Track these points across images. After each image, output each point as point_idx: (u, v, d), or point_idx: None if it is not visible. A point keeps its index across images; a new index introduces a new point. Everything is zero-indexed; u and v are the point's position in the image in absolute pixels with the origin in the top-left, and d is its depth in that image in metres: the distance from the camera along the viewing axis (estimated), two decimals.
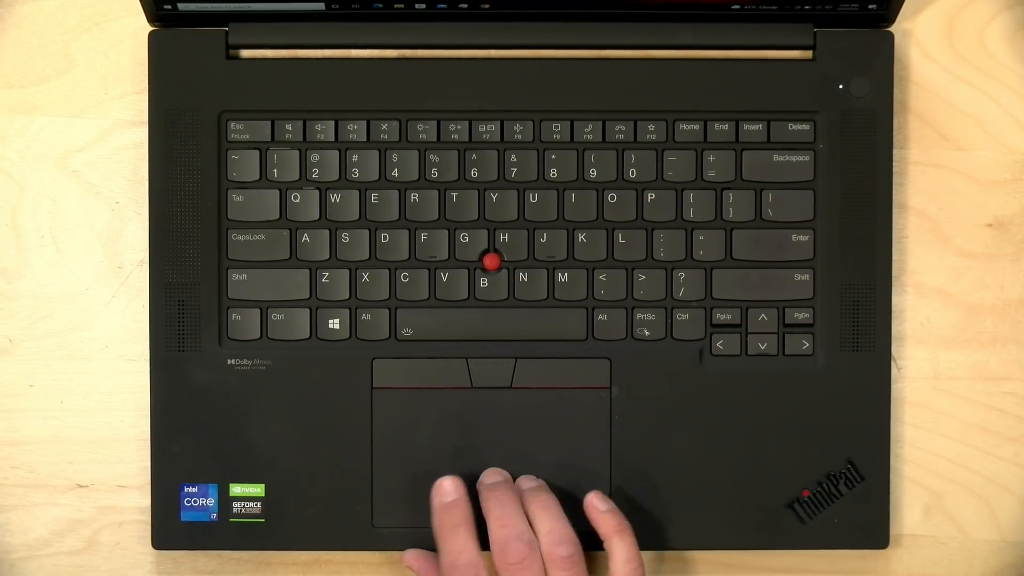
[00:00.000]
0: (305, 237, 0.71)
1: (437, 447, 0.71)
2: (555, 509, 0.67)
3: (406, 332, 0.71)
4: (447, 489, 0.69)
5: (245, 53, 0.72)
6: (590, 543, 0.68)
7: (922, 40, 0.73)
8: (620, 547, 0.67)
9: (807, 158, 0.71)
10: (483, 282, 0.71)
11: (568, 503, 0.68)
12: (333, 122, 0.71)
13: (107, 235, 0.72)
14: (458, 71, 0.71)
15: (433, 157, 0.71)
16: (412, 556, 0.70)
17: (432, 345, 0.71)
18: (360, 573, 0.73)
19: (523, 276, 0.71)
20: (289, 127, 0.71)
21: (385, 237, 0.71)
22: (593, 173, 0.71)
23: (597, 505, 0.69)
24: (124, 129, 0.72)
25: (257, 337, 0.71)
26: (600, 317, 0.71)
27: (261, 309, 0.71)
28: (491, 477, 0.70)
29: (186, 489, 0.70)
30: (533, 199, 0.71)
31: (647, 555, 0.69)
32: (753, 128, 0.71)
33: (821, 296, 0.71)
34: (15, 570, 0.72)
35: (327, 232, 0.71)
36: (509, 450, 0.71)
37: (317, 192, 0.71)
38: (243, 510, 0.71)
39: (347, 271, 0.71)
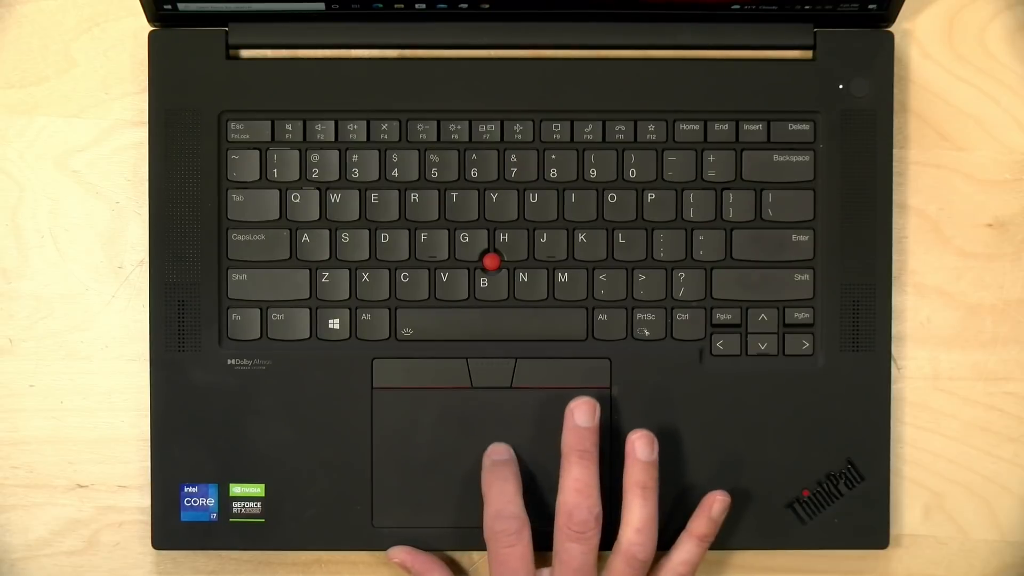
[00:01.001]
0: (305, 237, 0.71)
1: (437, 447, 0.71)
2: (653, 503, 0.67)
3: (406, 332, 0.71)
4: (499, 451, 0.70)
5: (245, 53, 0.72)
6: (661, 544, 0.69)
7: (922, 40, 0.73)
8: (688, 549, 0.68)
9: (807, 158, 0.71)
10: (483, 282, 0.71)
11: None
12: (333, 122, 0.71)
13: (107, 235, 0.72)
14: (458, 71, 0.71)
15: (433, 157, 0.71)
16: (402, 552, 0.70)
17: (432, 345, 0.71)
18: (360, 573, 0.73)
19: (523, 276, 0.71)
20: (289, 127, 0.71)
21: (385, 237, 0.71)
22: (593, 173, 0.71)
23: (711, 509, 0.68)
24: (124, 129, 0.72)
25: (257, 337, 0.71)
26: (600, 317, 0.71)
27: (261, 309, 0.71)
28: (585, 419, 0.68)
29: (186, 489, 0.70)
30: (533, 199, 0.71)
31: (656, 554, 0.69)
32: (753, 128, 0.71)
33: (821, 296, 0.71)
34: (15, 570, 0.72)
35: (327, 232, 0.71)
36: None
37: (317, 192, 0.71)
38: (243, 510, 0.71)
39: (347, 271, 0.71)
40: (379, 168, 0.71)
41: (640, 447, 0.67)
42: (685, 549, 0.68)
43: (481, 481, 0.69)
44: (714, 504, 0.68)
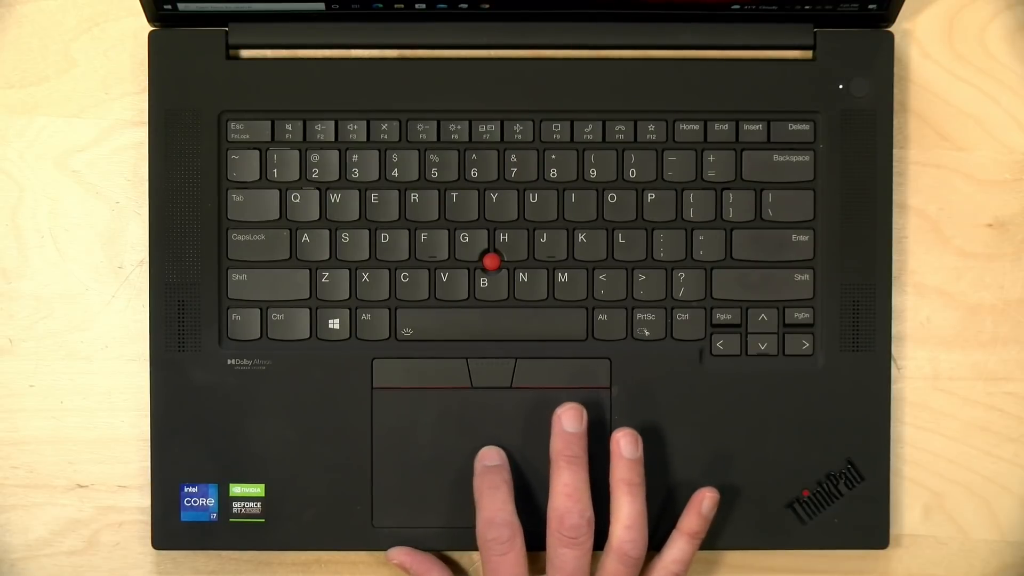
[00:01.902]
0: (305, 237, 0.71)
1: (437, 447, 0.71)
2: (641, 499, 0.67)
3: (406, 332, 0.71)
4: (490, 456, 0.69)
5: (245, 53, 0.72)
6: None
7: (922, 40, 0.73)
8: (680, 547, 0.69)
9: (807, 158, 0.71)
10: (483, 282, 0.71)
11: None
12: (333, 122, 0.71)
13: (107, 235, 0.72)
14: (458, 71, 0.71)
15: (433, 157, 0.71)
16: (401, 552, 0.70)
17: (432, 345, 0.71)
18: (360, 573, 0.73)
19: (523, 276, 0.71)
20: (289, 127, 0.71)
21: (385, 237, 0.71)
22: (593, 173, 0.71)
23: (701, 506, 0.69)
24: (124, 129, 0.73)
25: (257, 337, 0.71)
26: (600, 317, 0.71)
27: (261, 309, 0.71)
28: (572, 424, 0.68)
29: (186, 489, 0.70)
30: (533, 199, 0.71)
31: (647, 554, 0.69)
32: (753, 128, 0.71)
33: (821, 296, 0.71)
34: (15, 570, 0.72)
35: (327, 232, 0.71)
36: (509, 450, 0.70)
37: (317, 192, 0.71)
38: (243, 510, 0.71)
39: (347, 271, 0.71)
40: (379, 168, 0.71)
41: (625, 445, 0.68)
42: (677, 547, 0.68)
43: (473, 486, 0.69)
44: (704, 500, 0.68)
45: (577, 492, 0.67)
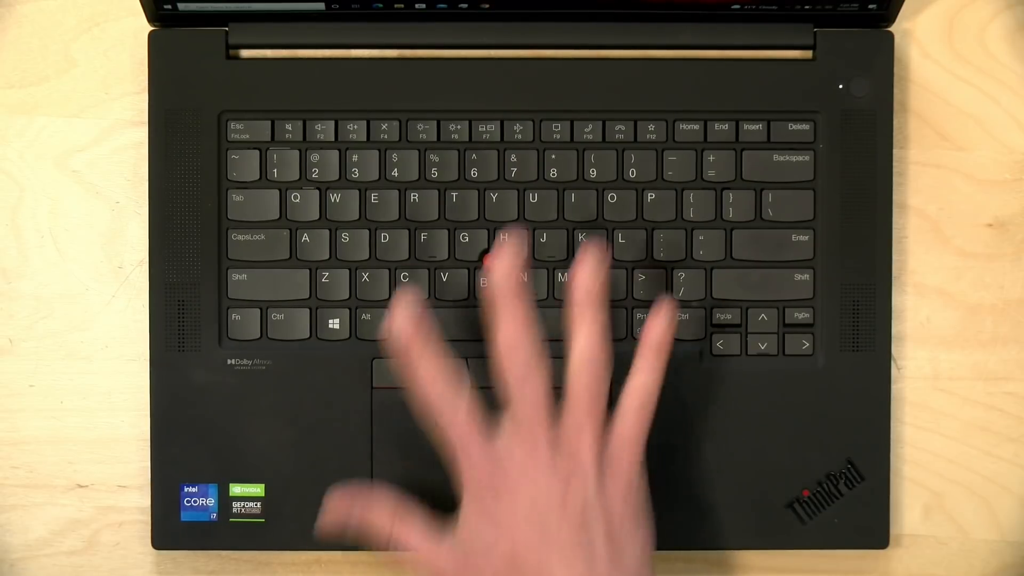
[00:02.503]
0: (305, 237, 0.71)
1: (437, 447, 0.71)
2: (603, 322, 0.62)
3: None
4: (402, 321, 0.63)
5: (245, 53, 0.72)
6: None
7: (922, 40, 0.73)
8: (648, 366, 0.63)
9: (807, 158, 0.71)
10: (483, 282, 0.71)
11: None
12: (333, 122, 0.71)
13: (107, 235, 0.72)
14: (458, 71, 0.71)
15: (433, 157, 0.71)
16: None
17: None
18: (360, 573, 0.73)
19: (523, 276, 0.71)
20: (289, 127, 0.71)
21: (385, 237, 0.71)
22: (593, 173, 0.71)
23: (663, 313, 0.63)
24: (124, 129, 0.73)
25: (257, 337, 0.71)
26: None
27: (261, 309, 0.71)
28: (510, 256, 0.62)
29: (186, 489, 0.70)
30: (533, 199, 0.71)
31: None
32: (753, 128, 0.71)
33: (821, 296, 0.71)
34: (15, 570, 0.72)
35: (327, 232, 0.71)
36: None
37: (317, 192, 0.71)
38: (243, 510, 0.71)
39: (347, 271, 0.71)
40: (379, 168, 0.71)
41: (579, 275, 0.63)
42: (643, 368, 0.63)
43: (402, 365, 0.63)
44: (663, 307, 0.63)
45: (525, 327, 0.62)
